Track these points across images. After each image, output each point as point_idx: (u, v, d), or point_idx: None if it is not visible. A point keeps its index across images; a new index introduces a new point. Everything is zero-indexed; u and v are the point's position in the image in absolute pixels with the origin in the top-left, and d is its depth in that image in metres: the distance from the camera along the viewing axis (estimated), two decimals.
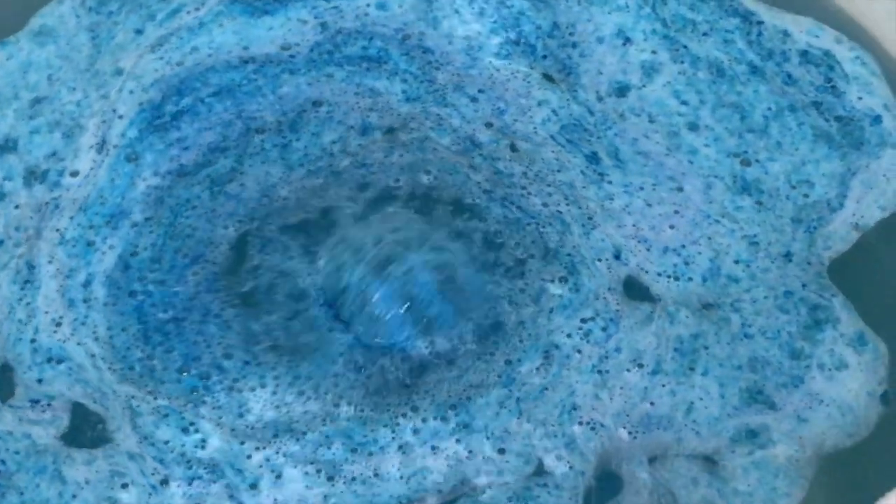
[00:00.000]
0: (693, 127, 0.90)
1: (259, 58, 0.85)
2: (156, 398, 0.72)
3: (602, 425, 0.68)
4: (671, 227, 0.82)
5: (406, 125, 0.85)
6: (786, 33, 0.92)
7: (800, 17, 0.93)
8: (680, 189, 0.86)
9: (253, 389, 0.72)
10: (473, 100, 0.87)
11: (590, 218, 0.85)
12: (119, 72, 0.85)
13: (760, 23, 0.92)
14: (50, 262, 0.77)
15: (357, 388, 0.72)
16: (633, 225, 0.84)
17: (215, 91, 0.83)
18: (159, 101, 0.83)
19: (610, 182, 0.88)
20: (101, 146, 0.81)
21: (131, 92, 0.83)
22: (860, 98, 0.88)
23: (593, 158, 0.89)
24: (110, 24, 0.88)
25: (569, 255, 0.80)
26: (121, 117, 0.82)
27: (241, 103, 0.83)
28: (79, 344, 0.73)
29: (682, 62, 0.92)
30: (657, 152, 0.89)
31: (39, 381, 0.73)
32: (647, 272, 0.79)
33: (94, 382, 0.72)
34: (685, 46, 0.92)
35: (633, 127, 0.91)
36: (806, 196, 0.85)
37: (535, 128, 0.90)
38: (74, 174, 0.81)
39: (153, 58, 0.85)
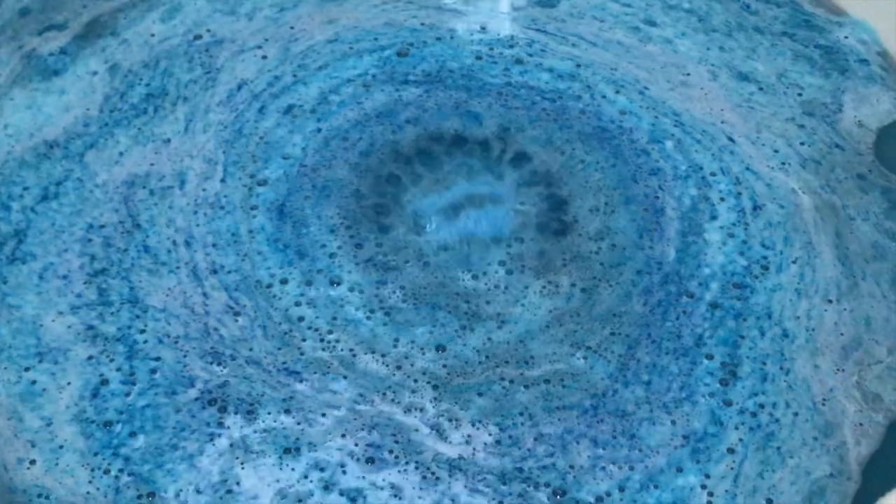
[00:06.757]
0: (651, 23, 0.75)
1: (60, 138, 0.72)
2: None
3: (830, 390, 0.63)
4: (721, 109, 0.72)
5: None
6: None
7: None
8: (687, 74, 0.72)
9: None
10: (258, 47, 0.76)
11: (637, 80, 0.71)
12: None
13: None
14: None
15: None
16: (685, 99, 0.70)
17: (42, 195, 0.69)
18: None
19: (586, 50, 0.72)
20: None
21: None
22: (846, 38, 0.77)
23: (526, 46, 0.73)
24: None
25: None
26: None
27: (80, 210, 0.69)
28: (59, 483, 0.59)
29: None
30: (631, 43, 0.74)
31: None
32: (757, 171, 0.69)
33: None
34: None
35: (581, 26, 0.75)
36: (800, 95, 0.73)
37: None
38: None
39: None
